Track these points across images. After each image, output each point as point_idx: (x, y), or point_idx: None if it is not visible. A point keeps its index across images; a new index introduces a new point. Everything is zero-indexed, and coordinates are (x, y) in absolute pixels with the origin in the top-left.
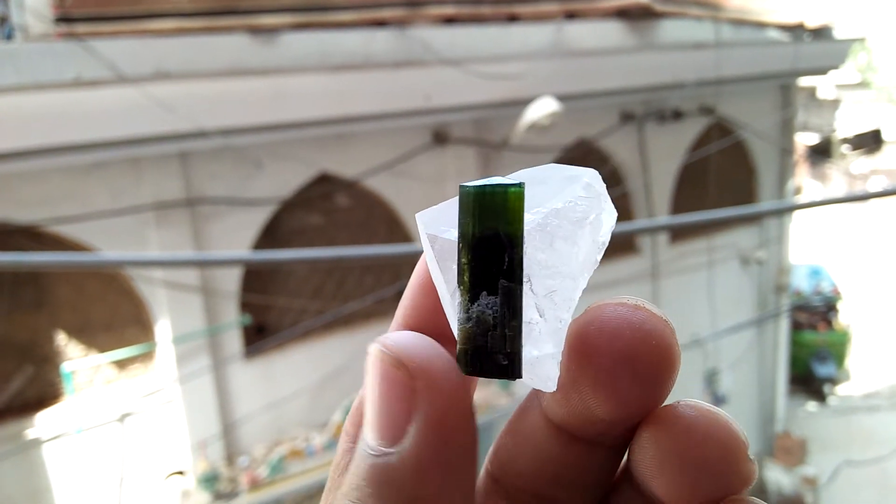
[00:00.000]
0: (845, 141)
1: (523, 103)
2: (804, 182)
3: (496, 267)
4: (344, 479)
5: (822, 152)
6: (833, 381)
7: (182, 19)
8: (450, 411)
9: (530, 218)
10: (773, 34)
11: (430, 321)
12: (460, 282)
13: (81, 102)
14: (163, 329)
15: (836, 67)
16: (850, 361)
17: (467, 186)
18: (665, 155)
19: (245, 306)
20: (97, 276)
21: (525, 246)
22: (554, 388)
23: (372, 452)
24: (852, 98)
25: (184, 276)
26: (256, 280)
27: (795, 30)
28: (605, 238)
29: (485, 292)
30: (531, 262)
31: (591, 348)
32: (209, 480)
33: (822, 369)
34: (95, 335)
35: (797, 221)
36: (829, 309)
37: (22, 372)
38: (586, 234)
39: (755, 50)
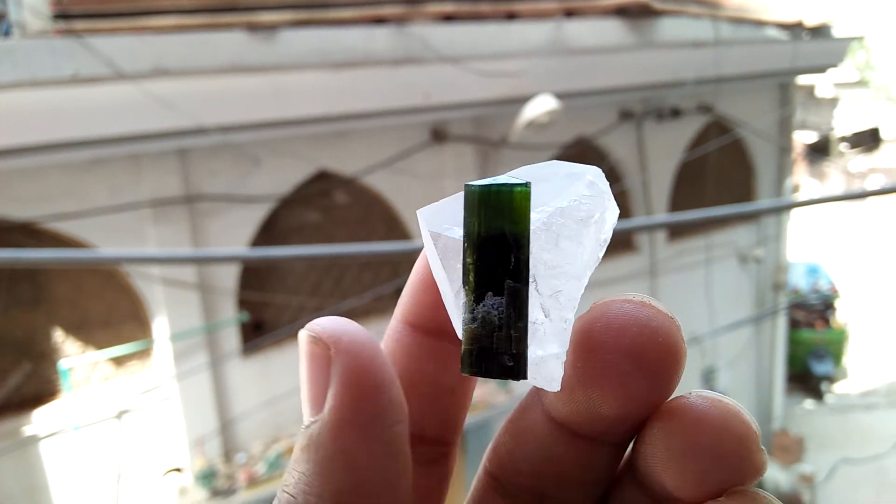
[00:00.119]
0: (843, 139)
1: (522, 101)
2: (802, 180)
3: (502, 267)
4: None
5: (820, 150)
6: (830, 379)
7: (181, 16)
8: (362, 372)
9: (535, 217)
10: (772, 32)
11: (430, 317)
12: (465, 282)
13: (79, 99)
14: (160, 326)
15: (834, 66)
16: (847, 359)
17: (473, 185)
18: (663, 153)
19: (243, 303)
20: (95, 273)
21: (531, 246)
22: (558, 388)
23: (303, 426)
24: (851, 96)
25: (182, 272)
26: (254, 277)
27: (794, 28)
28: (608, 235)
29: (490, 293)
30: (537, 261)
31: (597, 345)
32: (206, 477)
33: (820, 367)
34: (93, 332)
35: (795, 219)
36: (826, 307)
37: (19, 369)
38: (591, 233)
39: (754, 48)
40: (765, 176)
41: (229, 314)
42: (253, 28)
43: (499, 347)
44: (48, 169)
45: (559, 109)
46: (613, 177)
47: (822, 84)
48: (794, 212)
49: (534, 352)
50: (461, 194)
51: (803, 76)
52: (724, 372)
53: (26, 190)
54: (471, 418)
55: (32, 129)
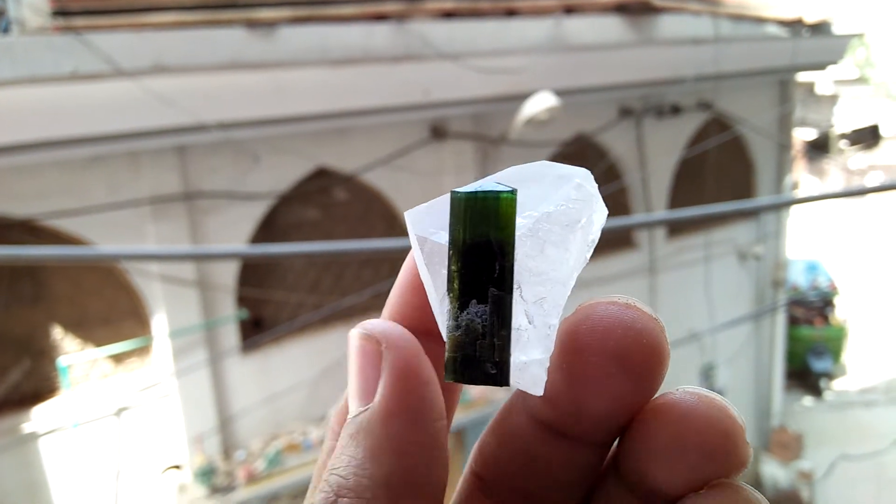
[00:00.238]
0: (843, 136)
1: (522, 98)
2: (802, 177)
3: (486, 275)
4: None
5: (819, 148)
6: (829, 376)
7: (180, 13)
8: (410, 366)
9: (521, 223)
10: (772, 29)
11: (416, 318)
12: (450, 289)
13: (79, 96)
14: (159, 323)
15: (834, 63)
16: (846, 356)
17: (458, 192)
18: (663, 150)
19: (242, 300)
20: (94, 270)
21: (516, 252)
22: (541, 393)
23: (351, 415)
24: (850, 93)
25: (181, 270)
26: (253, 274)
27: (794, 25)
28: (596, 236)
29: (474, 301)
30: (521, 268)
31: (583, 347)
32: (206, 474)
33: (819, 364)
34: (92, 329)
35: (794, 217)
36: (825, 304)
37: (19, 366)
38: (577, 238)
39: (754, 45)
40: (764, 173)
41: (228, 311)
42: (252, 25)
43: (482, 355)
44: (47, 166)
45: (559, 106)
46: (613, 174)
47: (821, 81)
48: (794, 209)
49: (517, 357)
50: (448, 196)
51: (803, 73)
52: (724, 369)
53: (26, 187)
54: (470, 415)
55: (32, 126)
